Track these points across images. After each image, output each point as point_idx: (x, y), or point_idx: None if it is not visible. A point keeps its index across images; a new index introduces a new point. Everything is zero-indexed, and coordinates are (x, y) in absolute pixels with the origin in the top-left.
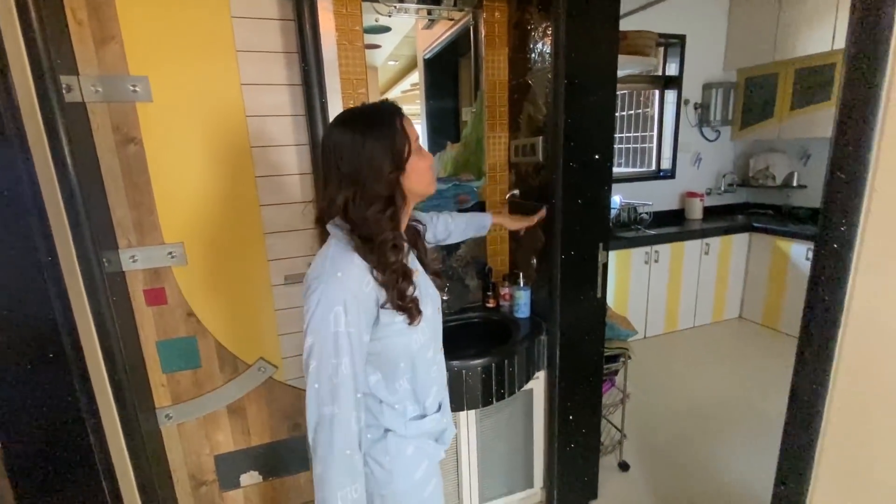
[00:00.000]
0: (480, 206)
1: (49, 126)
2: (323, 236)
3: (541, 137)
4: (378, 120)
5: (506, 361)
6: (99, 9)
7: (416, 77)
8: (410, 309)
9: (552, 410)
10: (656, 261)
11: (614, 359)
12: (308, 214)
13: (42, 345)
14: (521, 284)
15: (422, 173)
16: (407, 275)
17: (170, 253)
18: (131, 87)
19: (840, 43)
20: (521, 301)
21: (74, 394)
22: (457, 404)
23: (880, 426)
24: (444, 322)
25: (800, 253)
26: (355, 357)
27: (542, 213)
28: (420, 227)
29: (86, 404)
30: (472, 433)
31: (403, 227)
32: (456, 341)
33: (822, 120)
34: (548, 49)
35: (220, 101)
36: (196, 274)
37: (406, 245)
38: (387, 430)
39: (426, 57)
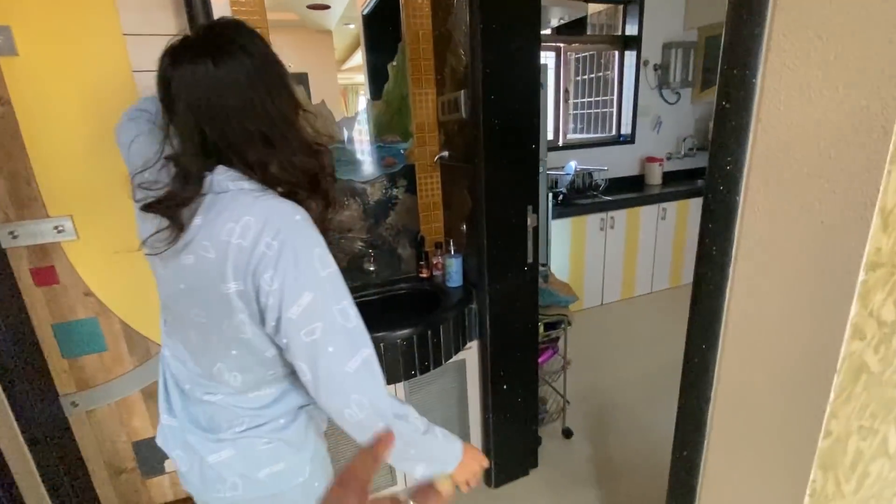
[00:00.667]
0: (409, 170)
1: None
2: None
3: (462, 91)
4: (253, 53)
5: (430, 332)
6: None
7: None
8: (328, 234)
9: (485, 381)
10: (612, 227)
11: (554, 326)
12: None
13: None
14: (452, 252)
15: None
16: (333, 204)
17: (56, 227)
18: None
19: None
20: (453, 269)
21: None
22: (394, 374)
23: (762, 385)
24: (373, 295)
25: None
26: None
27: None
28: None
29: None
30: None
31: None
32: (385, 314)
33: None
34: None
35: (98, 55)
36: (90, 249)
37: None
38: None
39: (364, 13)
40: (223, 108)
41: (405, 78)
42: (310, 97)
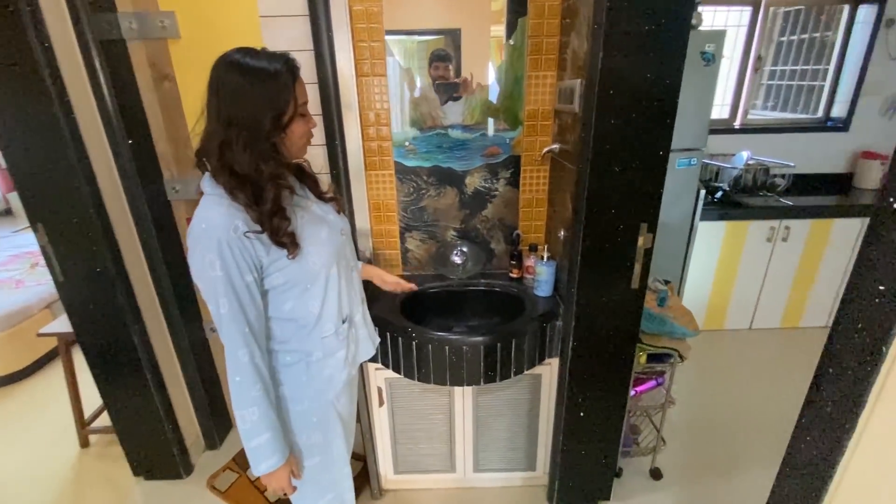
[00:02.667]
0: (514, 162)
1: (89, 65)
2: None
3: (579, 80)
4: (271, 74)
5: (507, 342)
6: None
7: None
8: (285, 244)
9: (561, 402)
10: (784, 239)
11: (661, 358)
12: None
13: (91, 259)
14: (544, 259)
15: (296, 138)
16: (279, 212)
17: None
18: (160, 23)
19: None
20: (542, 277)
21: (121, 307)
22: (455, 378)
23: None
24: (459, 286)
25: None
26: (239, 298)
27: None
28: (304, 162)
29: (131, 315)
30: (468, 405)
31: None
32: (466, 308)
33: None
34: None
35: (240, 35)
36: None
37: (287, 181)
38: (297, 353)
39: None
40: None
41: (522, 58)
42: (460, 55)
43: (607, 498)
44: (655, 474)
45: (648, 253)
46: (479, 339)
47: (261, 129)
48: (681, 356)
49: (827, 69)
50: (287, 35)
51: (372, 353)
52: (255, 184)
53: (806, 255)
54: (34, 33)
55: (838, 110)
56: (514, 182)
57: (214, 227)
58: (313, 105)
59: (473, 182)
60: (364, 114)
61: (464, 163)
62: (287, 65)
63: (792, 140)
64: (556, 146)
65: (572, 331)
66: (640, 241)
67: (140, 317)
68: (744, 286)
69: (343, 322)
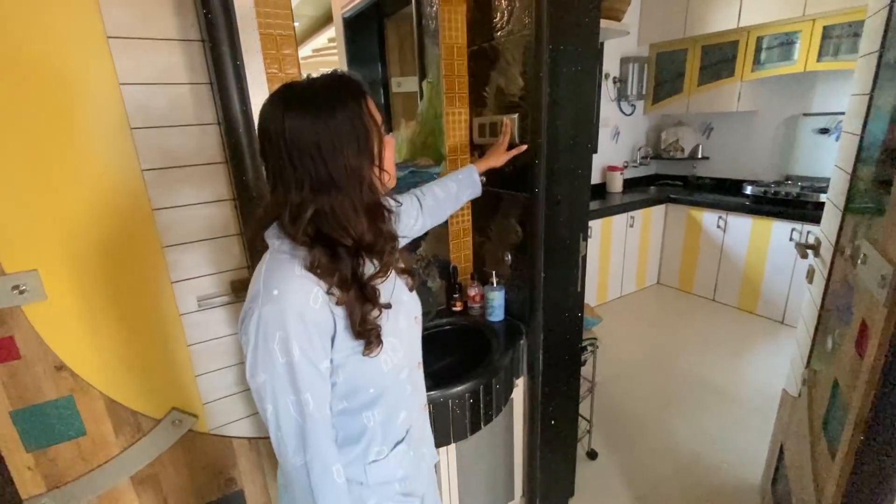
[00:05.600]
0: None
1: None
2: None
3: (517, 115)
4: (346, 103)
5: (493, 379)
6: None
7: (333, 32)
8: (369, 336)
9: (533, 419)
10: (590, 236)
11: (583, 349)
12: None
13: None
14: (495, 284)
15: (389, 166)
16: (371, 296)
17: (16, 287)
18: None
19: (746, 20)
20: (496, 303)
21: None
22: (442, 438)
23: None
24: None
25: (711, 221)
26: (318, 390)
27: (523, 147)
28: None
29: None
30: (452, 460)
31: None
32: (427, 354)
33: (724, 95)
34: (518, 7)
35: (78, 62)
36: (62, 311)
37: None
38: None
39: (346, 16)
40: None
41: (440, 96)
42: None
43: (572, 493)
44: (592, 455)
45: (584, 260)
46: (462, 387)
47: (361, 175)
48: (597, 344)
49: None
50: (155, 64)
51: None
52: (356, 254)
53: (602, 245)
54: None
55: None
56: None
57: (291, 292)
58: (215, 153)
59: None
60: None
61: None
62: (355, 84)
63: None
64: (483, 178)
65: (541, 345)
66: (581, 248)
67: None
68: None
69: (399, 442)
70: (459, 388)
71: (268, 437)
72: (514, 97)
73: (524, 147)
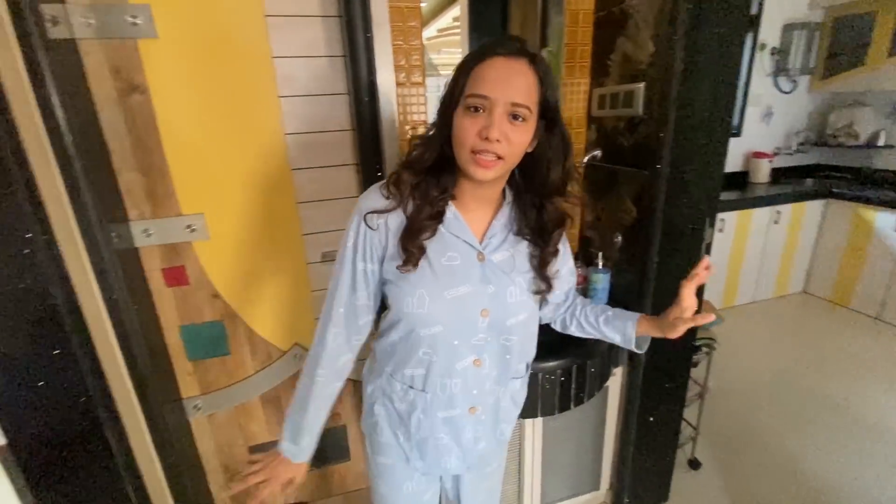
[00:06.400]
0: None
1: (32, 70)
2: None
3: (642, 84)
4: (474, 52)
5: (588, 361)
6: None
7: (458, 11)
8: (409, 250)
9: (629, 411)
10: (721, 230)
11: (695, 349)
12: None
13: (44, 339)
14: (600, 266)
15: (458, 135)
16: (432, 214)
17: (189, 226)
18: (130, 19)
19: None
20: (599, 286)
21: (86, 392)
22: (529, 410)
23: None
24: None
25: (887, 223)
26: (352, 278)
27: (704, 272)
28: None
29: (101, 401)
30: (538, 437)
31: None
32: None
33: None
34: None
35: (239, 38)
36: (220, 250)
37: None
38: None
39: None
40: None
41: (559, 66)
42: None
43: (666, 498)
44: (694, 464)
45: (708, 248)
46: (553, 363)
47: (442, 114)
48: (714, 346)
49: None
50: (301, 38)
51: (456, 470)
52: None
53: (735, 242)
54: None
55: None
56: None
57: (365, 196)
58: (344, 121)
59: None
60: (401, 130)
61: None
62: (492, 44)
63: None
64: (597, 152)
65: None
66: (706, 234)
67: (113, 406)
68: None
69: (411, 388)
70: (551, 364)
71: None
72: (642, 64)
73: (710, 317)
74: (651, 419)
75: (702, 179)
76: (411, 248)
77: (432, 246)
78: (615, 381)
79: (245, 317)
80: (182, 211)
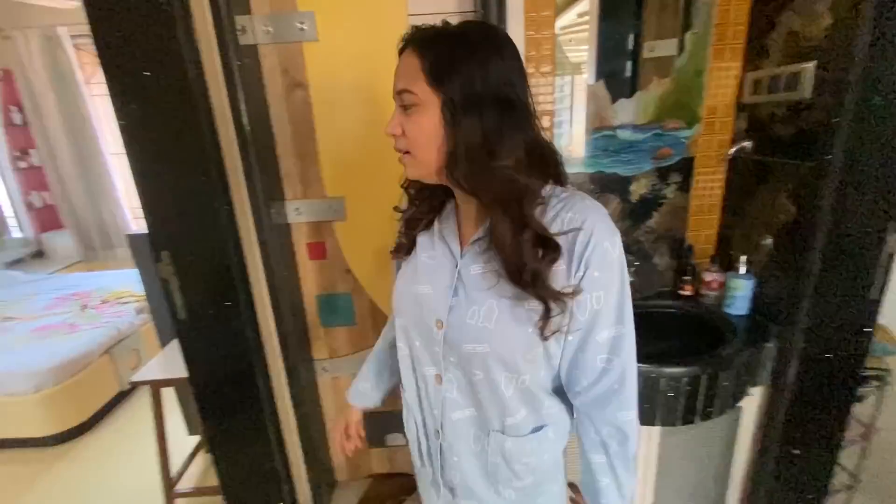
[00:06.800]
0: (686, 164)
1: (227, 73)
2: None
3: (812, 64)
4: None
5: (720, 373)
6: None
7: (585, 6)
8: (400, 237)
9: (767, 439)
10: None
11: (862, 381)
12: None
13: (220, 291)
14: (743, 271)
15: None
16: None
17: (331, 207)
18: (299, 25)
19: None
20: (740, 293)
21: (245, 340)
22: (647, 417)
23: None
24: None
25: None
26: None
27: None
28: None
29: (255, 350)
30: (654, 447)
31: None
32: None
33: None
34: None
35: (383, 39)
36: (354, 231)
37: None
38: None
39: None
40: None
41: (706, 48)
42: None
43: None
44: None
45: (891, 257)
46: (680, 369)
47: None
48: (888, 379)
49: None
50: None
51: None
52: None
53: None
54: (184, 34)
55: None
56: (684, 187)
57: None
58: None
59: (639, 188)
60: None
61: (631, 167)
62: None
63: None
64: (747, 143)
65: (798, 353)
66: (890, 243)
67: (264, 356)
68: None
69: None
70: (676, 370)
71: None
72: (814, 41)
73: None
74: (795, 453)
75: (885, 175)
76: (403, 237)
77: (422, 240)
78: (751, 402)
79: (370, 292)
80: (327, 194)
